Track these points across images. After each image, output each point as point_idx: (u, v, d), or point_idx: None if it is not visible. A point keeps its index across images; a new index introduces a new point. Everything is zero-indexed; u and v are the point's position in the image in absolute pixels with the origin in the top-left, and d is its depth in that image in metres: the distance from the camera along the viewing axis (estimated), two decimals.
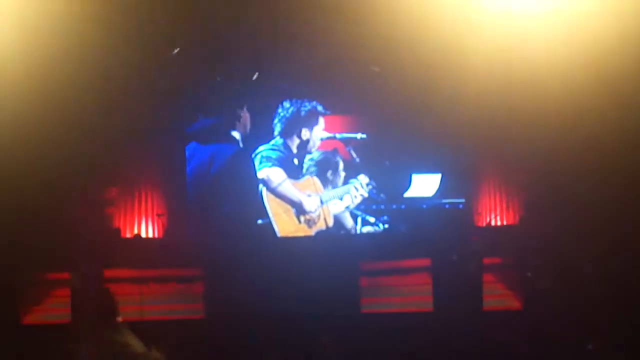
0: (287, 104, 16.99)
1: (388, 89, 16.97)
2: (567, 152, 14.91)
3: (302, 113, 16.91)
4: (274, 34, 15.85)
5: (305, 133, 16.93)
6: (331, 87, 17.03)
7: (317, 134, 16.95)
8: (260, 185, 16.61)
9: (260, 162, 16.68)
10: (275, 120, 16.97)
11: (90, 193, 15.93)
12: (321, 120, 16.96)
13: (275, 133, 16.96)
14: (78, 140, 15.51)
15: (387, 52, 16.34)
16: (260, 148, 16.87)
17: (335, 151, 17.02)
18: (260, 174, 16.64)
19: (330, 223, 16.79)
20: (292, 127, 16.96)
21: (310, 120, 16.95)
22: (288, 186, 16.63)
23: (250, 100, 17.09)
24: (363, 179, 16.71)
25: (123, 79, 15.62)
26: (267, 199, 16.53)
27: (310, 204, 16.65)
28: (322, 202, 16.75)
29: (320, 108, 16.96)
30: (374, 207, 17.01)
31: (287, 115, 16.96)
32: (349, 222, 16.89)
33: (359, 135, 16.98)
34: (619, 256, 13.53)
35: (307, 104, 16.99)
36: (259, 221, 16.54)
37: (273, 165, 16.66)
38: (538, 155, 15.54)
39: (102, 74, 15.26)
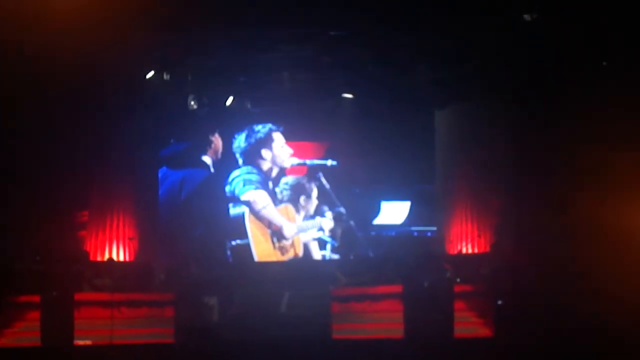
0: (238, 136, 17.08)
1: (359, 116, 17.12)
2: (540, 179, 15.10)
3: (254, 140, 17.01)
4: (248, 60, 15.93)
5: (266, 153, 17.01)
6: (303, 113, 17.15)
7: (279, 150, 17.03)
8: (242, 208, 16.64)
9: (244, 185, 16.74)
10: (237, 156, 17.05)
11: (63, 216, 15.88)
12: (277, 135, 17.07)
13: (240, 164, 17.03)
14: (50, 163, 15.46)
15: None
16: (235, 172, 16.92)
17: (307, 177, 17.13)
18: (245, 197, 16.71)
19: (300, 253, 16.89)
20: (251, 154, 17.07)
21: (266, 141, 17.03)
22: (272, 210, 16.70)
23: (222, 125, 17.16)
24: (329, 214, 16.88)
25: (96, 101, 15.61)
26: (249, 221, 16.57)
27: (289, 229, 16.71)
28: (298, 231, 16.84)
29: (272, 126, 17.07)
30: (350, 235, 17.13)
31: (242, 145, 17.06)
32: (316, 252, 16.96)
33: (329, 162, 17.08)
34: (590, 284, 13.64)
35: (259, 127, 17.09)
36: (234, 242, 16.58)
37: (257, 188, 16.73)
38: (510, 181, 15.74)
39: (74, 96, 15.22)
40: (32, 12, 13.35)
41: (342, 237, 17.11)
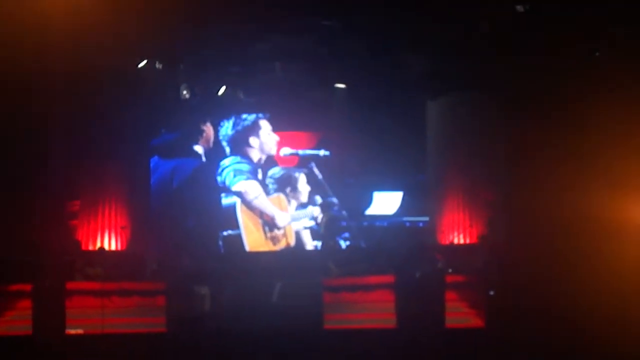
0: (225, 123, 17.07)
1: (352, 107, 17.12)
2: (532, 170, 15.12)
3: (241, 127, 17.00)
4: (241, 48, 15.91)
5: (253, 141, 17.00)
6: (295, 103, 17.13)
7: (266, 137, 17.03)
8: (233, 198, 16.64)
9: (235, 176, 16.73)
10: (223, 143, 17.04)
11: (54, 205, 15.87)
12: (263, 123, 17.07)
13: (228, 153, 17.03)
14: (42, 153, 15.44)
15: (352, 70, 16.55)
16: (225, 162, 16.90)
17: (297, 167, 17.12)
18: (237, 187, 16.70)
19: (292, 242, 16.87)
20: (239, 142, 17.06)
21: (253, 129, 17.03)
22: (264, 200, 16.69)
23: (214, 115, 17.14)
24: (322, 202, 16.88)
25: (88, 91, 15.58)
26: (241, 211, 16.57)
27: (281, 219, 16.71)
28: (290, 220, 16.83)
29: (259, 114, 17.08)
30: (335, 224, 17.14)
31: (229, 133, 17.05)
32: (309, 241, 16.96)
33: (322, 152, 17.07)
34: (581, 276, 13.70)
35: (245, 116, 17.09)
36: (225, 233, 16.58)
37: (248, 178, 16.72)
38: (502, 172, 15.76)
39: (66, 85, 15.20)
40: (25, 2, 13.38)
41: (329, 227, 17.11)
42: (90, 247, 16.17)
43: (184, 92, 16.55)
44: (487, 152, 16.15)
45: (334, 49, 15.79)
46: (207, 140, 17.26)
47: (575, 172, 14.60)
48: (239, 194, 16.69)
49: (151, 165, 17.14)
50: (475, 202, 16.40)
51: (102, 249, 16.09)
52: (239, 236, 16.61)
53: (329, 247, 16.88)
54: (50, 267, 14.12)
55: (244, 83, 16.97)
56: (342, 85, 17.12)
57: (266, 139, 17.07)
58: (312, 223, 16.97)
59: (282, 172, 17.13)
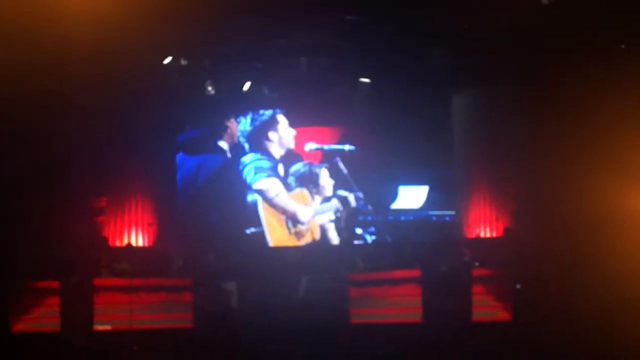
0: (242, 119, 17.09)
1: (378, 101, 17.10)
2: (557, 164, 15.04)
3: (259, 123, 17.00)
4: (265, 44, 15.93)
5: (273, 135, 17.02)
6: (319, 98, 17.14)
7: (284, 132, 17.03)
8: (254, 195, 16.66)
9: (256, 173, 16.75)
10: (241, 139, 17.05)
11: (81, 202, 15.95)
12: (281, 117, 17.09)
13: (247, 149, 17.05)
14: (69, 150, 15.52)
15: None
16: (245, 159, 16.92)
17: (321, 162, 17.13)
18: (257, 185, 16.72)
19: (317, 236, 16.88)
20: (258, 137, 17.07)
21: (271, 123, 17.04)
22: (285, 197, 16.70)
23: (239, 110, 17.16)
24: (348, 194, 16.83)
25: (113, 88, 15.64)
26: (262, 209, 16.58)
27: (304, 214, 16.71)
28: (314, 214, 16.84)
29: (276, 109, 17.09)
30: (361, 218, 17.14)
31: (247, 128, 17.05)
32: (334, 235, 16.95)
33: (347, 147, 17.07)
34: (609, 268, 13.61)
35: (262, 112, 17.10)
36: (248, 231, 16.60)
37: (269, 175, 16.73)
38: (528, 165, 15.69)
39: (92, 83, 15.27)
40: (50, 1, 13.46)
41: (360, 222, 17.12)
42: (118, 244, 16.27)
43: (209, 88, 16.61)
44: (513, 145, 16.05)
45: (357, 43, 15.79)
46: (232, 136, 17.29)
47: (603, 166, 14.50)
48: (259, 192, 16.71)
49: (177, 161, 17.21)
50: (501, 196, 16.33)
51: (129, 245, 16.16)
52: (262, 233, 16.63)
53: (350, 240, 16.87)
54: (77, 263, 14.16)
55: (268, 78, 17.00)
56: (366, 80, 17.10)
57: (284, 133, 17.08)
58: (329, 216, 16.93)
59: (303, 170, 17.13)
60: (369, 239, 17.01)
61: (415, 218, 17.34)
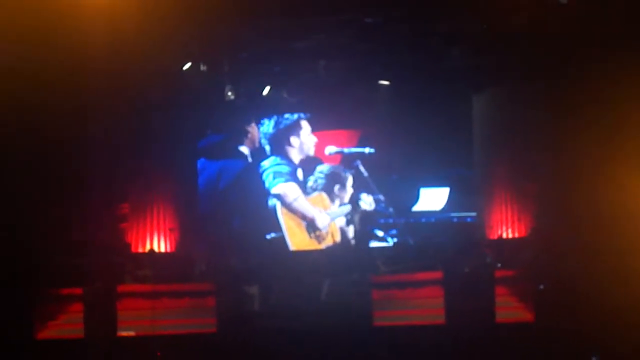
0: (266, 122, 17.12)
1: (397, 103, 17.09)
2: (579, 163, 14.97)
3: (282, 126, 17.04)
4: (283, 47, 15.95)
5: (294, 141, 17.04)
6: (339, 101, 17.14)
7: (306, 138, 17.05)
8: (273, 200, 16.70)
9: (274, 178, 16.79)
10: (263, 141, 17.08)
11: (103, 209, 16.00)
12: (304, 123, 17.10)
13: (268, 153, 17.09)
14: (90, 157, 15.57)
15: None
16: (265, 163, 16.96)
17: (343, 165, 17.14)
18: (276, 190, 16.74)
19: (338, 239, 16.87)
20: (280, 141, 17.11)
21: (295, 128, 17.07)
22: (303, 202, 16.72)
23: (259, 115, 17.20)
24: (366, 197, 16.81)
25: (132, 95, 15.68)
26: (281, 213, 16.60)
27: (322, 220, 16.72)
28: (332, 218, 16.84)
29: (301, 114, 17.11)
30: (382, 221, 17.12)
31: (270, 131, 17.09)
32: (354, 237, 16.94)
33: (367, 150, 17.07)
34: (633, 268, 13.54)
35: (287, 116, 17.12)
36: (268, 236, 16.63)
37: (287, 180, 16.76)
38: (549, 165, 15.61)
39: (112, 89, 15.30)
40: (68, 5, 13.48)
41: (381, 225, 17.10)
42: (140, 250, 16.27)
43: (229, 93, 16.63)
44: (533, 144, 15.96)
45: (375, 45, 15.78)
46: (253, 141, 17.34)
47: (626, 165, 14.41)
48: (278, 197, 16.73)
49: (198, 167, 17.26)
50: (522, 196, 16.24)
51: (152, 250, 16.20)
52: (283, 238, 16.64)
53: (371, 243, 16.86)
54: (100, 270, 14.26)
55: (288, 82, 17.02)
56: (385, 82, 17.09)
57: (306, 139, 17.10)
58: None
59: (332, 169, 17.14)
60: (391, 241, 16.98)
61: (436, 220, 17.28)
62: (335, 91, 16.99)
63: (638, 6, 13.89)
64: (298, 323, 13.91)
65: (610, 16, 14.01)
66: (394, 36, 15.51)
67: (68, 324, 13.86)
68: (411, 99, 17.13)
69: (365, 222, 16.92)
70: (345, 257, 16.24)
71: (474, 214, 17.12)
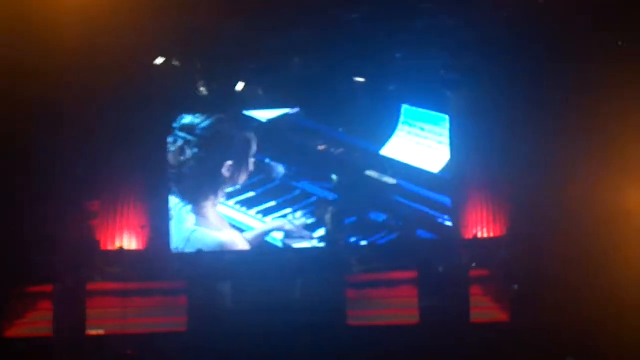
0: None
1: (373, 101, 17.02)
2: (554, 163, 14.96)
3: None
4: (258, 44, 15.82)
5: None
6: (316, 96, 17.04)
7: None
8: None
9: None
10: None
11: (73, 206, 15.83)
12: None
13: None
14: (60, 153, 15.41)
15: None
16: None
17: None
18: None
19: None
20: None
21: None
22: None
23: (231, 111, 17.07)
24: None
25: (104, 90, 15.50)
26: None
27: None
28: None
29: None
30: (354, 220, 16.98)
31: None
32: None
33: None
34: (607, 267, 13.57)
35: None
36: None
37: None
38: (524, 166, 15.59)
39: (82, 84, 15.13)
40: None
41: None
42: (110, 247, 16.11)
43: (202, 89, 16.48)
44: (510, 145, 15.94)
45: (350, 42, 15.68)
46: None
47: (601, 165, 14.42)
48: None
49: None
50: (498, 196, 16.22)
51: (122, 248, 16.04)
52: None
53: (345, 242, 16.75)
54: (70, 268, 14.12)
55: (262, 79, 16.86)
56: (361, 79, 16.97)
57: None
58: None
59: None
60: (364, 241, 16.86)
61: (411, 219, 17.17)
62: (311, 88, 16.84)
63: (615, 5, 13.87)
64: (271, 322, 13.82)
65: (587, 16, 13.99)
66: (369, 34, 15.40)
67: (37, 322, 13.74)
68: (386, 98, 17.00)
69: (337, 221, 16.81)
70: (321, 256, 16.11)
71: (449, 213, 17.03)
